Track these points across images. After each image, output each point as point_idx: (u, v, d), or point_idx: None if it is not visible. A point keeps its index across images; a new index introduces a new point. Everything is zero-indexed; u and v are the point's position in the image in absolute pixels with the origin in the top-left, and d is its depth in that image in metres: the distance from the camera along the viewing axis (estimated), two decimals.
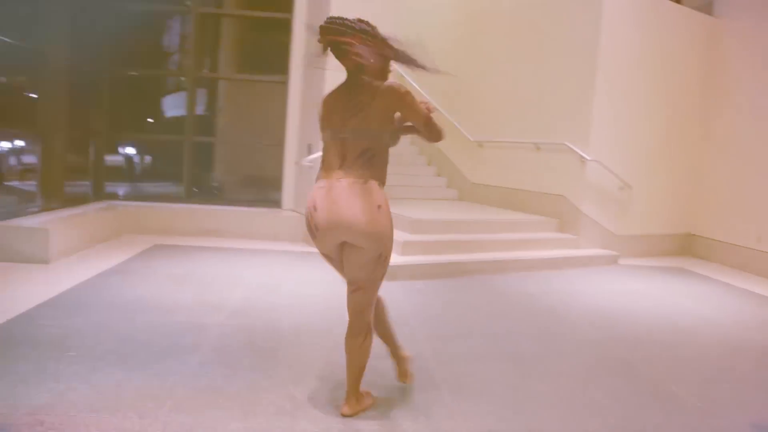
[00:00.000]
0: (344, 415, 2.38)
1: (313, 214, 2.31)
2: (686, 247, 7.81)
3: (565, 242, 6.71)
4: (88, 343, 2.98)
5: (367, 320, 2.41)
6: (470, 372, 3.05)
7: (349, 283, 2.38)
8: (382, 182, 2.36)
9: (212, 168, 7.48)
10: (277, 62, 6.74)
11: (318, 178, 2.39)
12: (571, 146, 6.75)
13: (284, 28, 6.64)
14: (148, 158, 7.68)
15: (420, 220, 6.01)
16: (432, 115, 2.39)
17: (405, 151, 8.92)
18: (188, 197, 6.70)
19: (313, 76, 6.30)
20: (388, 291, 4.30)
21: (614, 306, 4.80)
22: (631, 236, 7.16)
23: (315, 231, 2.33)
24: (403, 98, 2.32)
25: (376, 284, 2.38)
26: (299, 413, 2.40)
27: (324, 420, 2.35)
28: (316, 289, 4.43)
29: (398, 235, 5.48)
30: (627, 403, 2.84)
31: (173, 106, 7.41)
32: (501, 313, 4.37)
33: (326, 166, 2.36)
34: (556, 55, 7.17)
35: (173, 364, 2.79)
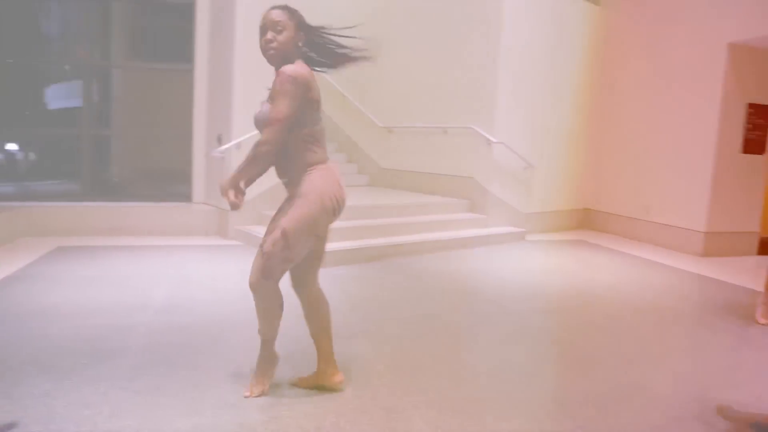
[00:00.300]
0: (340, 384, 2.56)
1: (341, 191, 2.43)
2: (584, 221, 8.40)
3: (475, 222, 7.00)
4: (1, 355, 2.78)
5: None
6: (405, 350, 3.16)
7: (318, 259, 2.55)
8: None
9: (113, 162, 7.08)
10: (181, 50, 6.47)
11: (323, 160, 2.44)
12: (478, 129, 7.03)
13: (187, 13, 6.39)
14: (32, 155, 7.11)
15: None
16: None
17: None
18: (88, 194, 6.32)
19: (220, 65, 6.13)
20: None
21: (527, 279, 5.12)
22: (536, 213, 7.59)
23: (340, 208, 2.44)
24: None
25: None
26: (245, 404, 2.39)
27: (272, 408, 2.37)
28: (235, 281, 4.37)
29: None
30: (551, 365, 3.09)
31: (66, 96, 6.92)
32: (424, 292, 4.52)
33: (324, 149, 2.46)
34: (461, 41, 7.40)
35: (103, 368, 2.67)
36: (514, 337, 3.51)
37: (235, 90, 5.91)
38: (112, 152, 7.06)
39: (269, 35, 2.34)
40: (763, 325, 4.10)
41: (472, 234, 6.61)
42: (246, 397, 2.43)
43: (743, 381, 2.98)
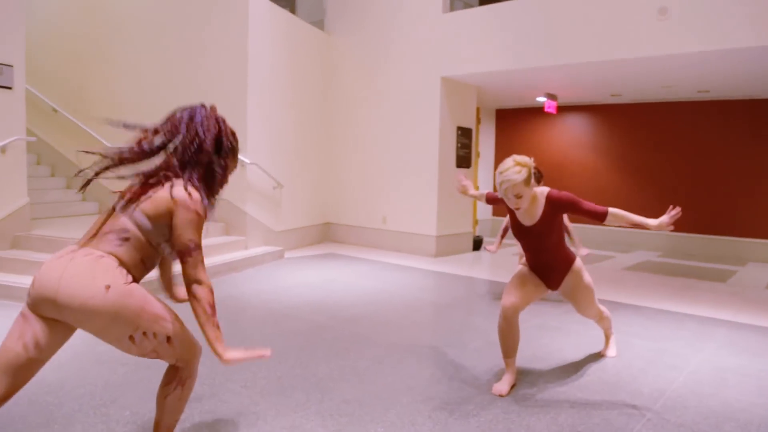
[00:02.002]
0: None
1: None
2: (326, 234, 9.43)
3: (235, 244, 7.24)
4: None
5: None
6: (258, 375, 3.47)
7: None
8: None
9: None
10: None
11: None
12: None
13: None
14: None
15: None
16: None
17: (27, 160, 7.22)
18: None
19: None
20: None
21: (311, 293, 5.80)
22: (286, 231, 8.31)
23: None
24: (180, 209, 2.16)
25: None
26: None
27: None
28: None
29: None
30: (388, 363, 3.84)
31: None
32: (227, 319, 4.46)
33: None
34: (208, 62, 7.64)
35: None
36: (342, 345, 4.15)
37: None
38: None
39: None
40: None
41: (238, 257, 6.85)
42: None
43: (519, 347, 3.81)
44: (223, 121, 2.34)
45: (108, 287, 2.02)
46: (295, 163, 8.58)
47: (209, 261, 6.43)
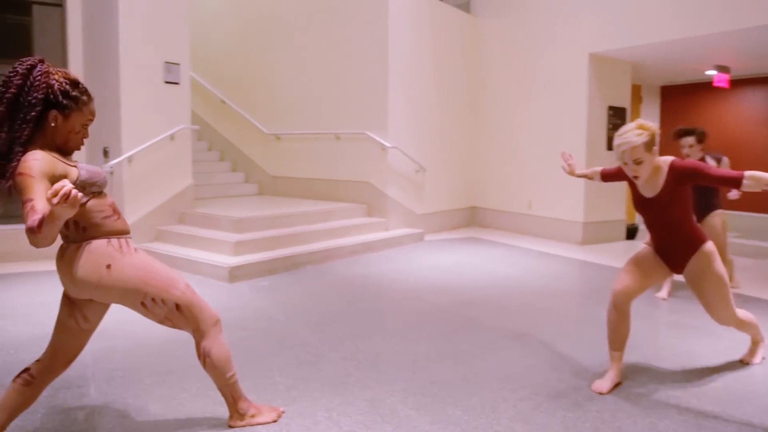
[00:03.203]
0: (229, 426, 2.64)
1: None
2: (472, 219, 9.29)
3: (376, 226, 7.49)
4: None
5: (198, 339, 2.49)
6: (360, 349, 3.65)
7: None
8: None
9: None
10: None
11: None
12: (372, 135, 7.62)
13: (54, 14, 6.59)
14: None
15: (243, 219, 6.25)
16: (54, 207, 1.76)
17: (193, 147, 8.09)
18: None
19: (102, 69, 6.44)
20: (238, 292, 4.86)
21: (439, 275, 5.80)
22: (429, 214, 8.35)
23: None
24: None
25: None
26: None
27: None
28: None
29: (225, 236, 5.90)
30: (491, 348, 3.76)
31: None
32: (351, 296, 5.01)
33: None
34: (351, 50, 7.92)
35: None
36: (450, 327, 4.16)
37: (123, 100, 6.21)
38: None
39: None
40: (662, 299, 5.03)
41: (377, 237, 7.13)
42: None
43: (641, 344, 3.67)
44: (48, 73, 2.15)
45: (109, 266, 2.29)
46: (439, 146, 8.62)
47: (349, 240, 6.79)
